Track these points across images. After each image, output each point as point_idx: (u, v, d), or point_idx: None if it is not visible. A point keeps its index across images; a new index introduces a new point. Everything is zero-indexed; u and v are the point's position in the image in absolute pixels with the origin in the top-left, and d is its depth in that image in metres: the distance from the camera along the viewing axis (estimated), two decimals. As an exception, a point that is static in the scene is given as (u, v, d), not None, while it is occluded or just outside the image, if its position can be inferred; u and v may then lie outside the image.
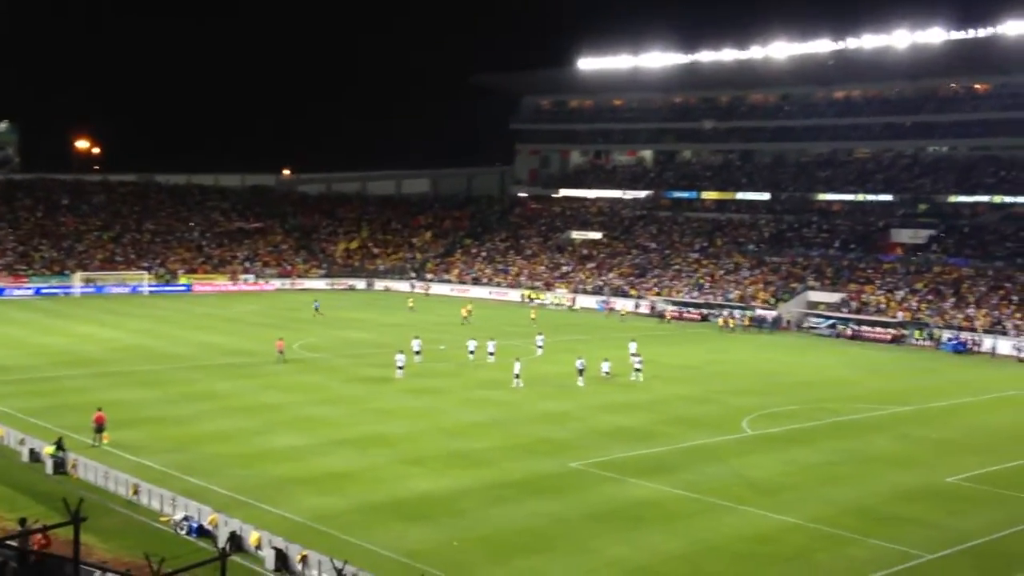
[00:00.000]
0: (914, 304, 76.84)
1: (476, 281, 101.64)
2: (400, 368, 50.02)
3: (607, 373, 51.76)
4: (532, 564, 25.20)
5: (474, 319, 74.88)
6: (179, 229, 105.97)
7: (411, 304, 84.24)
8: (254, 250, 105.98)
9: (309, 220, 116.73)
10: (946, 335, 71.26)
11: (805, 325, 79.07)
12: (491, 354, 56.26)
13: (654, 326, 78.68)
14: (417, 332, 59.79)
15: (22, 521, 23.17)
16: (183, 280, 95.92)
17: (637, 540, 27.13)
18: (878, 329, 74.71)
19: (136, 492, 29.47)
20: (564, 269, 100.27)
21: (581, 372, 49.98)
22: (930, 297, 77.50)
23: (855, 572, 25.32)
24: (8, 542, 20.37)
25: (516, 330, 70.64)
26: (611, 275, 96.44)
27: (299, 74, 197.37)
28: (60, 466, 31.96)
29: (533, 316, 77.21)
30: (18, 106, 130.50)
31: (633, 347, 57.06)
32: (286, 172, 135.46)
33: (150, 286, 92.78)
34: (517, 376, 48.67)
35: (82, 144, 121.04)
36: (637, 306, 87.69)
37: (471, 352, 56.70)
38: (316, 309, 76.91)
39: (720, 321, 79.06)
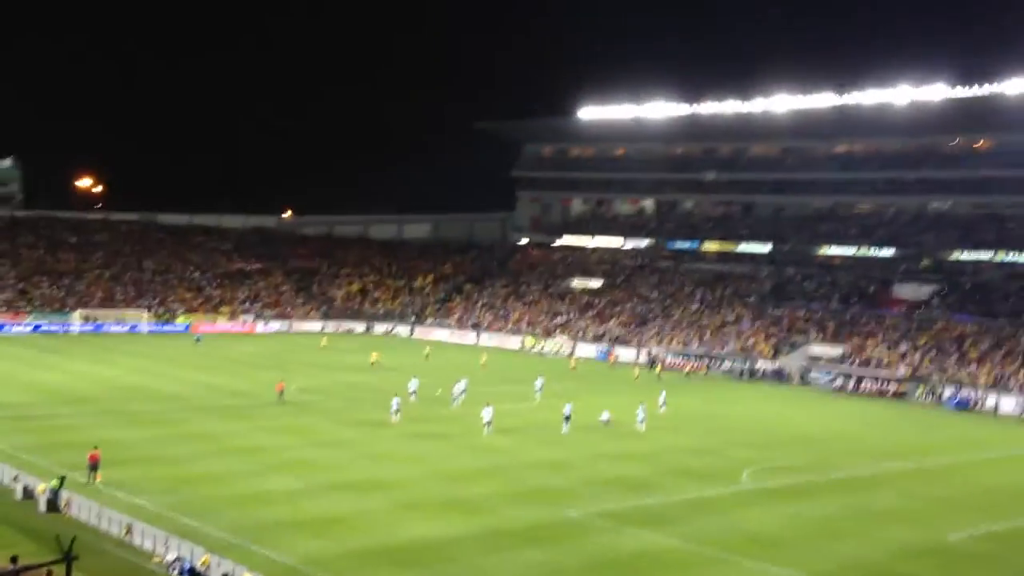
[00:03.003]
0: (917, 360, 76.56)
1: (476, 327, 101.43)
2: (396, 412, 49.70)
3: (606, 422, 51.41)
4: (528, 614, 24.87)
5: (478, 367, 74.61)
6: (179, 269, 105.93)
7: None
8: (255, 291, 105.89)
9: (310, 262, 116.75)
10: (949, 392, 70.92)
11: (807, 378, 78.72)
12: (455, 398, 55.99)
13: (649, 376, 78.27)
14: (416, 375, 59.74)
15: (13, 559, 22.84)
16: (182, 320, 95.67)
17: (634, 592, 26.81)
18: (880, 384, 74.34)
19: (129, 532, 29.14)
20: (564, 317, 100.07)
21: (567, 419, 49.56)
22: (933, 353, 77.22)
23: (857, 629, 24.95)
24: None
25: (512, 375, 70.27)
26: (611, 323, 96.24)
27: (303, 116, 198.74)
28: (53, 504, 31.61)
29: (483, 362, 76.00)
30: (21, 143, 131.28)
31: (662, 397, 57.26)
32: (287, 214, 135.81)
33: (149, 325, 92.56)
34: (488, 424, 47.67)
35: (84, 182, 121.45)
36: (638, 356, 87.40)
37: (462, 392, 56.93)
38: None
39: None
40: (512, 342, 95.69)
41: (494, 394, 55.90)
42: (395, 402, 50.12)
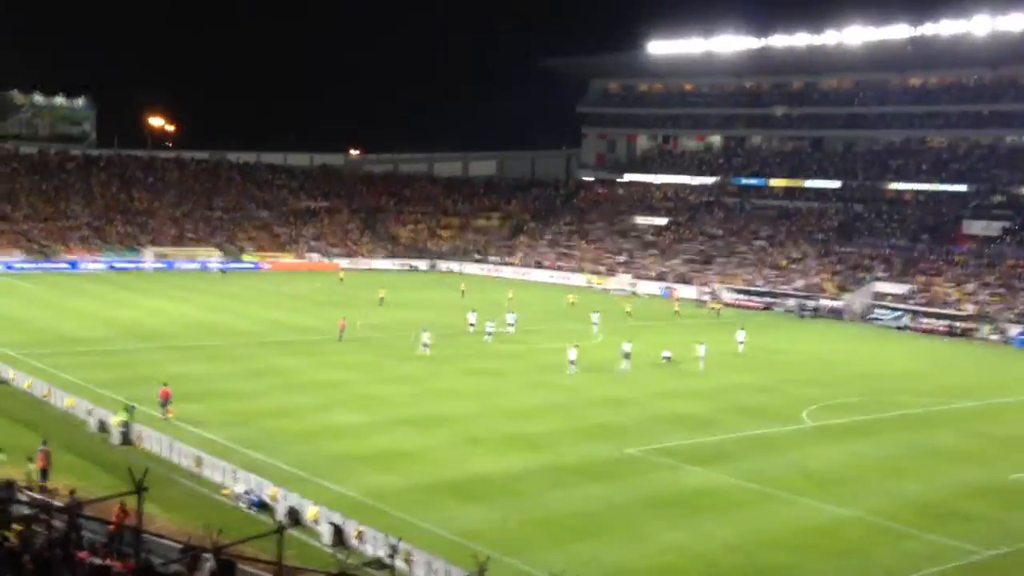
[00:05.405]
0: (984, 297, 75.01)
1: (539, 265, 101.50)
2: (425, 346, 50.28)
3: (667, 359, 51.47)
4: (587, 548, 25.12)
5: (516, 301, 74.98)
6: (248, 207, 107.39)
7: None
8: (321, 229, 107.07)
9: (375, 200, 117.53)
10: (1016, 330, 69.48)
11: (872, 315, 77.69)
12: (488, 333, 56.38)
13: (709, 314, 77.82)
14: (476, 308, 60.97)
15: (73, 492, 23.67)
16: (250, 257, 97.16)
17: (693, 528, 26.98)
18: (946, 322, 73.06)
19: (199, 464, 29.93)
20: (628, 255, 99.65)
21: (627, 356, 49.63)
22: (1001, 291, 75.58)
23: (912, 567, 24.91)
24: (74, 511, 20.95)
25: (568, 312, 70.40)
26: (675, 261, 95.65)
27: (371, 55, 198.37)
28: (126, 437, 32.68)
29: (572, 300, 76.72)
30: (96, 83, 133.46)
31: (741, 335, 57.46)
32: (354, 152, 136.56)
33: (219, 262, 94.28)
34: (572, 363, 48.06)
35: (157, 121, 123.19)
36: (699, 295, 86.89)
37: (510, 325, 59.43)
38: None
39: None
40: (576, 280, 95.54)
41: (553, 331, 56.26)
42: (426, 336, 50.84)
